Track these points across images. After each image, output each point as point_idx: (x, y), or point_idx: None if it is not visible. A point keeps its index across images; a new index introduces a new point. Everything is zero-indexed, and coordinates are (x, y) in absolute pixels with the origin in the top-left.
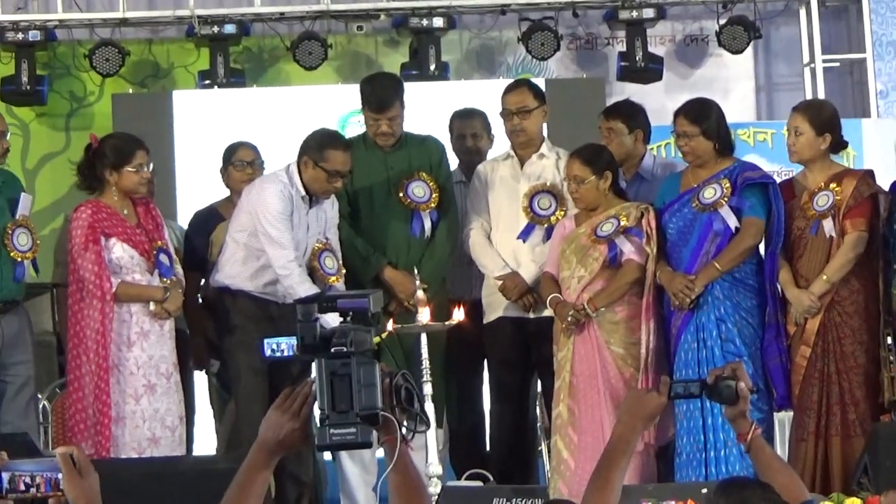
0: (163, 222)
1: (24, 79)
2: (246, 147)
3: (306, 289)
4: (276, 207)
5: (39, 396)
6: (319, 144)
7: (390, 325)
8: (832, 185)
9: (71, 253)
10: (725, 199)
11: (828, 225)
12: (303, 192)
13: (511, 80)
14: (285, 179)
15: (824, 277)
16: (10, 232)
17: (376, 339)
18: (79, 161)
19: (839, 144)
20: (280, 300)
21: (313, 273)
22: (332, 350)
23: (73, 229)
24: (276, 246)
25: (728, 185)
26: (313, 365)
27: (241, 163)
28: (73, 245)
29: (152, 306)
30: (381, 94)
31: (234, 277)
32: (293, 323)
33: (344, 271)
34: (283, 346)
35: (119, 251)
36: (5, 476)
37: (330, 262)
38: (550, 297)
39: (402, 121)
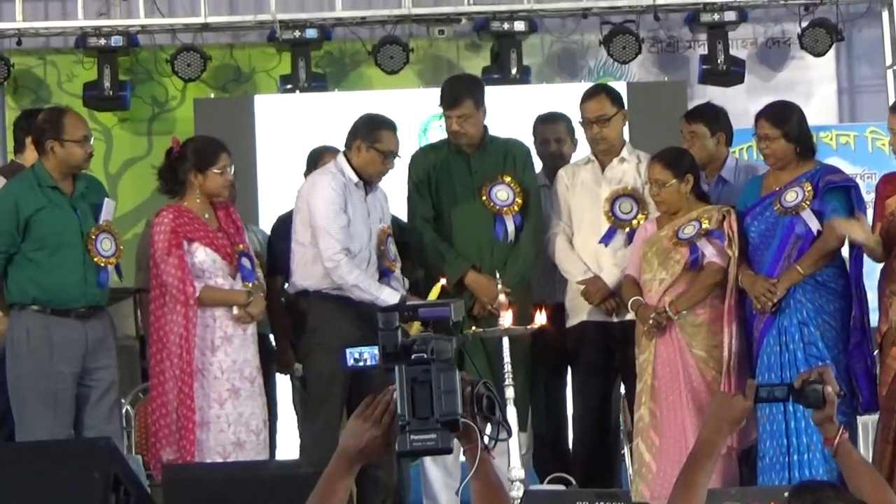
0: (243, 226)
1: (107, 84)
2: (331, 152)
3: (355, 277)
4: (328, 197)
5: (122, 401)
6: (371, 127)
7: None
8: None
9: (153, 257)
10: (807, 202)
11: None
12: (355, 179)
13: (592, 85)
14: (334, 170)
15: None
16: (93, 237)
17: (436, 289)
18: (160, 165)
19: None
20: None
21: (381, 257)
22: (413, 357)
23: (155, 234)
24: (324, 236)
25: (810, 188)
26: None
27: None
28: (156, 250)
29: (235, 310)
30: (452, 91)
31: (308, 279)
32: (369, 322)
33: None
34: (365, 355)
35: (202, 255)
36: None
37: (393, 247)
38: (632, 300)
39: (477, 122)
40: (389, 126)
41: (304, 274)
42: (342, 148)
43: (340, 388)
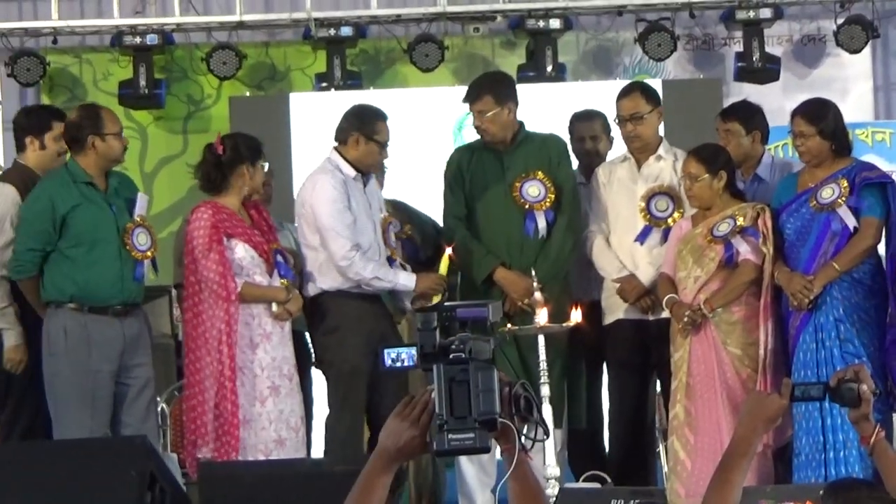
0: (274, 224)
1: (142, 82)
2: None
3: (371, 270)
4: (330, 196)
5: (158, 399)
6: (368, 119)
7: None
8: None
9: (191, 253)
10: (843, 198)
11: None
12: (353, 173)
13: (627, 82)
14: (331, 168)
15: None
16: (129, 231)
17: (444, 260)
18: (200, 162)
19: None
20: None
21: (387, 244)
22: (451, 357)
23: (193, 230)
24: (332, 236)
25: (846, 184)
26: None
27: None
28: (195, 246)
29: (274, 307)
30: (472, 86)
31: (325, 281)
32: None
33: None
34: (402, 355)
35: (241, 252)
36: None
37: (393, 235)
38: (667, 297)
39: (499, 118)
40: (384, 117)
41: (321, 277)
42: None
43: (363, 386)
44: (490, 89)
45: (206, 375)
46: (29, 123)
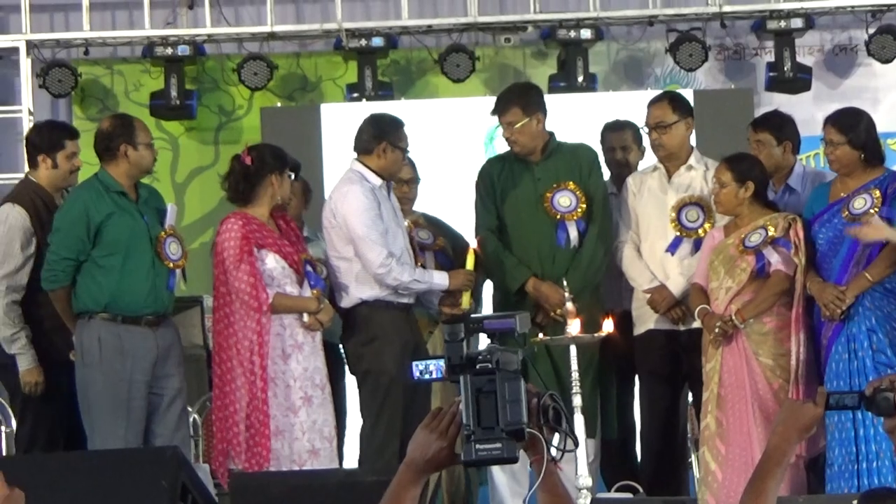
0: (306, 235)
1: (174, 93)
2: (406, 165)
3: (409, 274)
4: (363, 206)
5: (190, 410)
6: (392, 127)
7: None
8: None
9: (222, 265)
10: (876, 209)
11: None
12: (379, 182)
13: (658, 92)
14: (357, 178)
15: None
16: (162, 241)
17: (470, 256)
18: (228, 174)
19: None
20: (412, 299)
21: (414, 248)
22: (478, 367)
23: (223, 241)
24: (369, 245)
25: (878, 194)
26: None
27: (399, 181)
28: (226, 257)
29: (306, 318)
30: (500, 98)
31: (364, 290)
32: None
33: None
34: (430, 367)
35: (272, 262)
36: None
37: (424, 233)
38: (699, 308)
39: (528, 129)
40: (403, 123)
41: (359, 286)
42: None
43: (401, 396)
44: (517, 100)
45: (238, 386)
46: (41, 141)
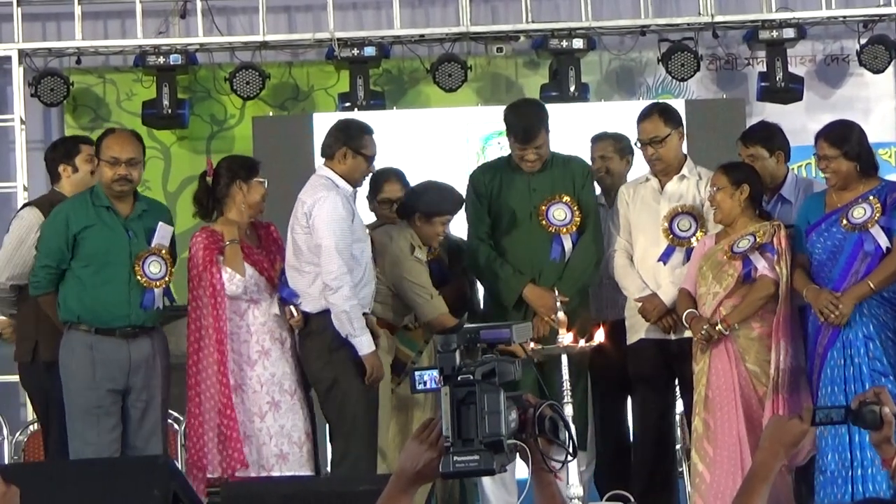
0: (283, 244)
1: (166, 102)
2: (392, 182)
3: (350, 306)
4: (339, 215)
5: (181, 419)
6: (356, 132)
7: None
8: None
9: (192, 281)
10: (876, 218)
11: None
12: (349, 189)
13: (650, 102)
14: (331, 185)
15: None
16: (142, 259)
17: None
18: (195, 190)
19: None
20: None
21: None
22: (459, 378)
23: (190, 257)
24: (334, 255)
25: (878, 204)
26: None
27: (387, 201)
28: (193, 275)
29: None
30: (526, 126)
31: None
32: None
33: None
34: (425, 377)
35: (237, 275)
36: None
37: None
38: (686, 312)
39: (548, 146)
40: (370, 130)
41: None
42: (397, 166)
43: (365, 401)
44: (543, 124)
45: (207, 398)
46: (57, 153)
